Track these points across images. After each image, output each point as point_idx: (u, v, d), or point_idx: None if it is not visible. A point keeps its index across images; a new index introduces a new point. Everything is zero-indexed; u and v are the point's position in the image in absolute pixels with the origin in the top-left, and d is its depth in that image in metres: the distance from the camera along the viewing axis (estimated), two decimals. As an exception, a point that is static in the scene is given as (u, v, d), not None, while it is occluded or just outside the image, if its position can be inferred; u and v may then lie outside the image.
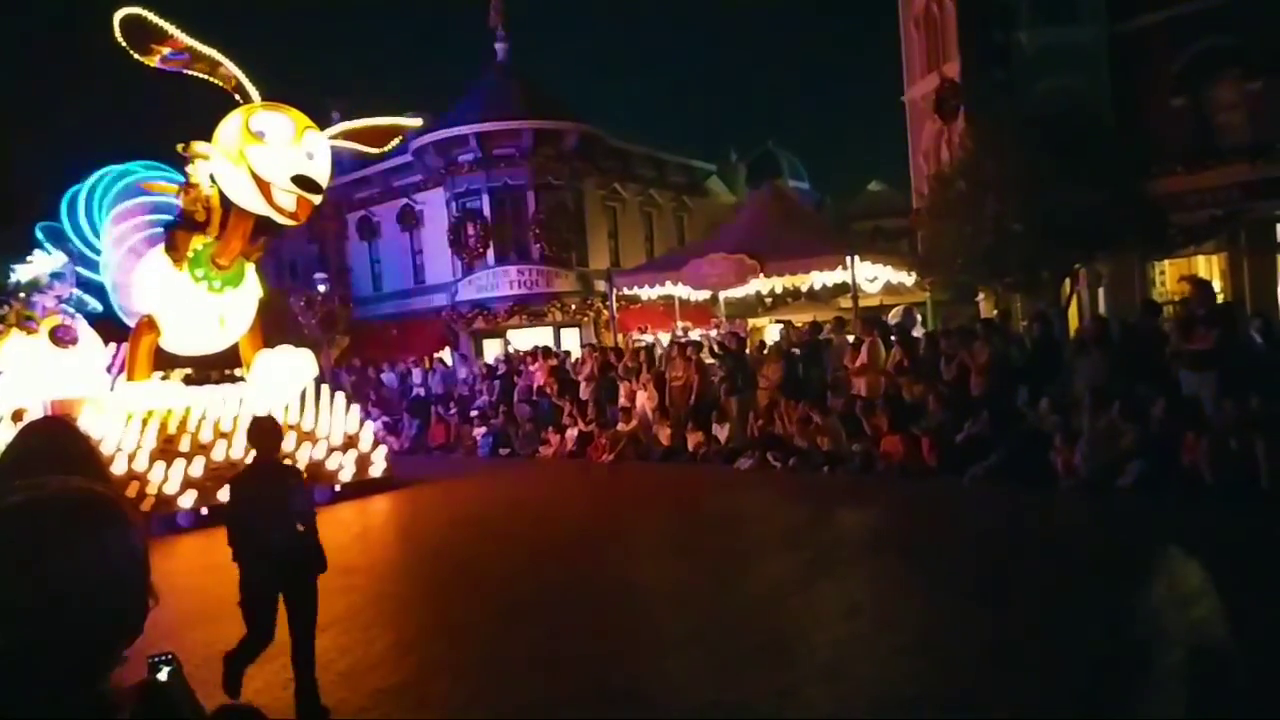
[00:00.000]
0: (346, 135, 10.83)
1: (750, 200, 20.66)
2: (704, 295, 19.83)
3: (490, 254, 25.05)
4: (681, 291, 19.26)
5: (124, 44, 9.53)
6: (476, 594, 6.95)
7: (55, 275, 12.01)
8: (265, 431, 4.89)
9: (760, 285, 18.74)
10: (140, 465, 10.11)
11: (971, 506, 9.14)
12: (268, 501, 4.59)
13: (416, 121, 11.88)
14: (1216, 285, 15.48)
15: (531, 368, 16.89)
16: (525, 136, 24.56)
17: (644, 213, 29.44)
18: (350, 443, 12.05)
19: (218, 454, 10.65)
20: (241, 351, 11.80)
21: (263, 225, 10.73)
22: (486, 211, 25.01)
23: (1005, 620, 5.46)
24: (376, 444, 12.53)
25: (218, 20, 9.71)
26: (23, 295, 11.92)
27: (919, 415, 10.98)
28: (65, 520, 1.23)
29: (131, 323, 11.45)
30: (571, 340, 23.91)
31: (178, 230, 10.74)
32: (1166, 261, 17.72)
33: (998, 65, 17.65)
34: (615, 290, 19.78)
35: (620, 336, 20.31)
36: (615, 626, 5.94)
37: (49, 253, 12.13)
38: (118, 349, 14.47)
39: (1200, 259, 17.74)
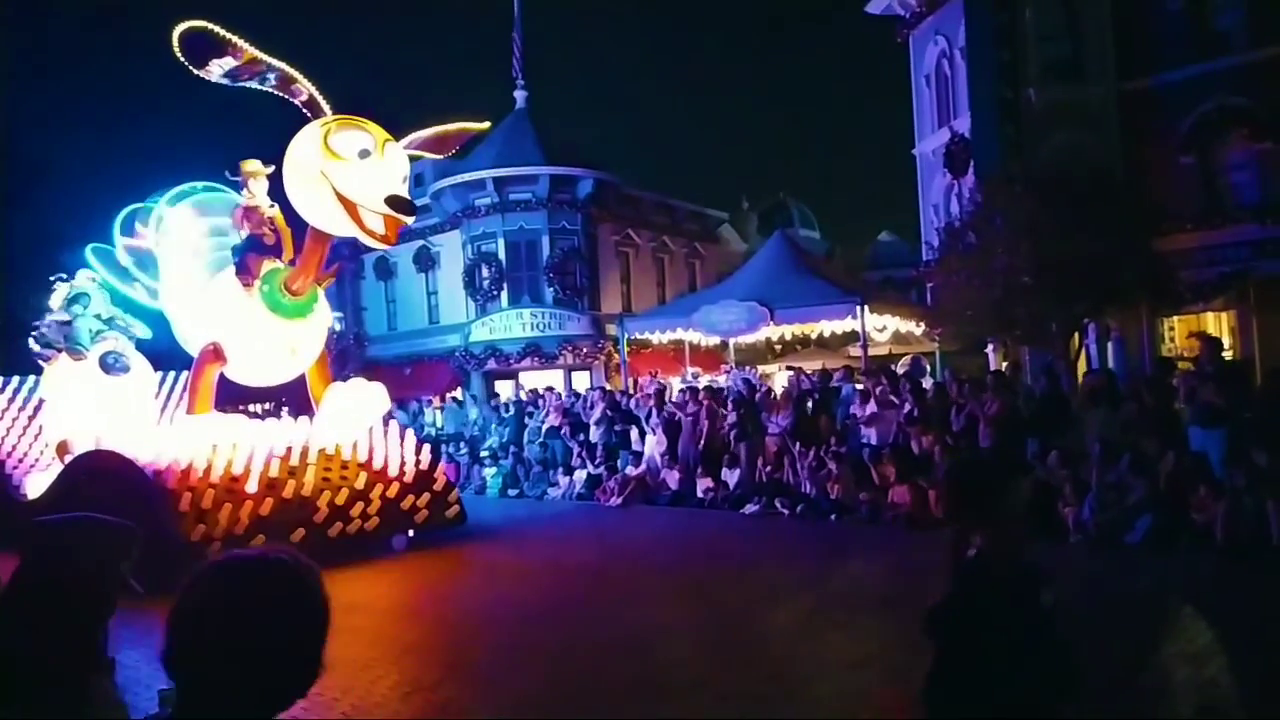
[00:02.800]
0: (417, 144, 10.19)
1: (762, 248, 20.87)
2: (714, 341, 19.96)
3: (504, 296, 25.32)
4: (692, 337, 19.39)
5: (182, 59, 8.83)
6: (482, 636, 6.96)
7: (91, 294, 11.43)
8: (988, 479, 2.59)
9: (770, 332, 18.86)
10: (206, 505, 9.12)
11: (979, 558, 9.08)
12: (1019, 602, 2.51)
13: (484, 125, 11.23)
14: (1226, 343, 15.50)
15: (543, 409, 16.97)
16: (541, 182, 24.97)
17: (656, 259, 29.74)
18: (423, 482, 10.99)
19: (286, 494, 9.66)
20: (310, 383, 11.05)
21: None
22: (501, 255, 25.34)
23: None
24: (449, 484, 11.53)
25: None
26: (68, 319, 11.36)
27: (927, 465, 10.98)
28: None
29: (193, 351, 10.72)
30: (582, 383, 24.03)
31: (248, 253, 10.07)
32: (1175, 317, 17.76)
33: (1007, 121, 17.90)
34: (626, 335, 19.93)
35: (631, 380, 20.40)
36: (621, 671, 5.92)
37: (95, 277, 11.55)
38: (164, 378, 13.84)
39: (1209, 316, 17.76)
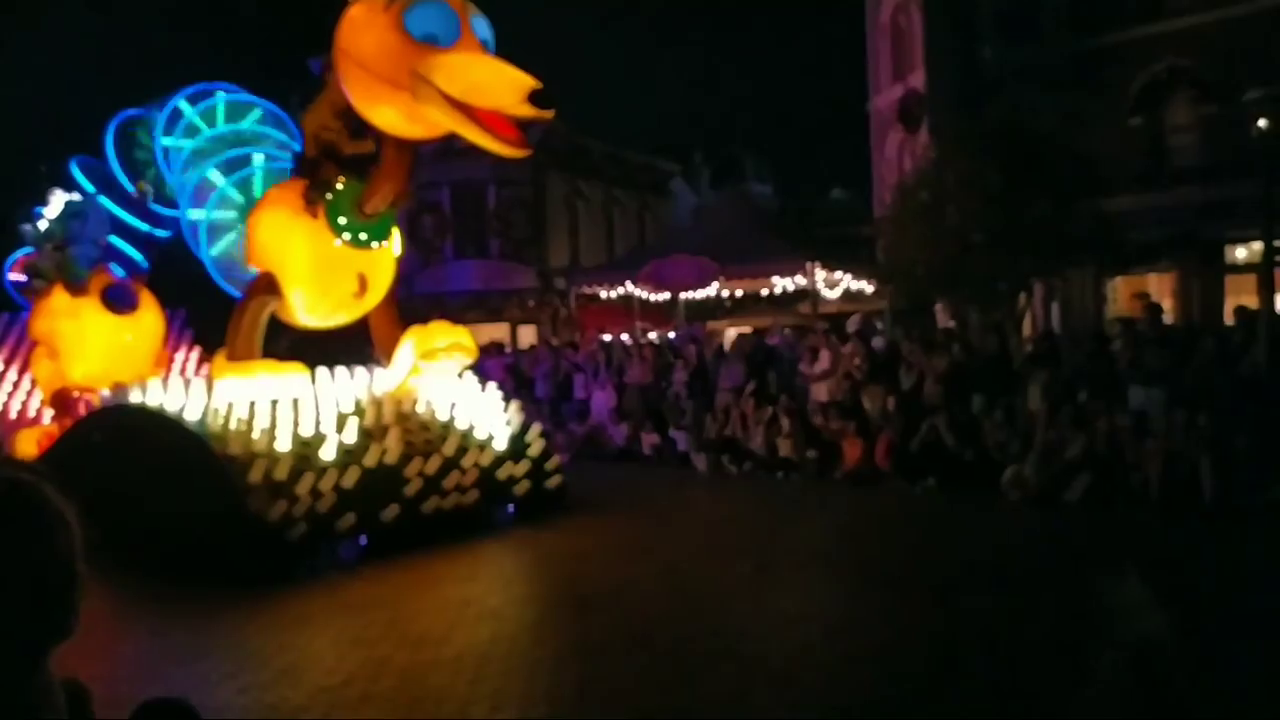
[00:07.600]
0: None
1: (713, 202, 20.65)
2: (664, 296, 19.75)
3: (448, 247, 24.75)
4: (641, 292, 19.16)
5: None
6: (427, 594, 6.78)
7: (84, 215, 9.83)
8: None
9: (721, 289, 18.71)
10: (281, 476, 7.36)
11: (923, 516, 9.16)
12: None
13: None
14: (1167, 304, 15.76)
15: (486, 363, 16.66)
16: (488, 129, 24.31)
17: (606, 211, 29.28)
18: (519, 448, 9.36)
19: (369, 460, 7.91)
20: (373, 326, 9.38)
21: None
22: (445, 205, 24.70)
23: (952, 628, 5.46)
24: (548, 450, 9.78)
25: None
26: (62, 246, 9.66)
27: (875, 422, 11.01)
28: None
29: (233, 286, 9.11)
30: (528, 337, 23.71)
31: (326, 165, 8.20)
32: (1119, 279, 18.03)
33: (963, 78, 17.82)
34: (575, 289, 19.62)
35: (578, 335, 20.16)
36: (561, 629, 5.82)
37: (83, 192, 9.86)
38: (173, 317, 12.22)
39: (1152, 277, 18.08)
